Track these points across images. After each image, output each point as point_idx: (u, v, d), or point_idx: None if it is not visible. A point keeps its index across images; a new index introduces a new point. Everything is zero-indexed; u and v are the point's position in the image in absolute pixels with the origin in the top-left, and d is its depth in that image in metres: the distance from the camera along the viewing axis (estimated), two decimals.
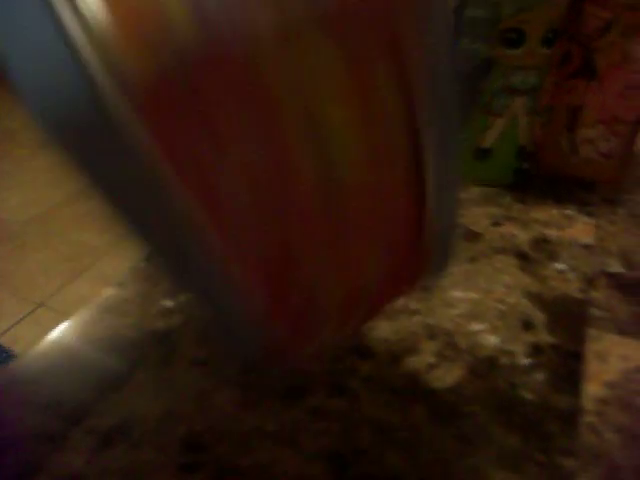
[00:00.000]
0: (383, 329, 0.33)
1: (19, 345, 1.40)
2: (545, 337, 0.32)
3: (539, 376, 0.30)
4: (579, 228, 0.44)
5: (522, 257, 0.40)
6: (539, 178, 0.51)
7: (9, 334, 1.65)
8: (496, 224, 0.43)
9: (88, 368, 0.30)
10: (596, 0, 0.48)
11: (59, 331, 0.33)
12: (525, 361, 0.31)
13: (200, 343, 0.32)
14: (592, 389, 0.29)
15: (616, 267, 0.39)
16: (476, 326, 0.33)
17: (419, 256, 0.21)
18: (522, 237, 0.42)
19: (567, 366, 0.31)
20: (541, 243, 0.41)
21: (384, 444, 0.26)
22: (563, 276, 0.38)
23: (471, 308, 0.35)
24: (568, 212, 0.46)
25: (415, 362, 0.31)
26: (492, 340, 0.32)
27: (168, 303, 0.34)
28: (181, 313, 0.34)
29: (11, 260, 1.87)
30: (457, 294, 0.36)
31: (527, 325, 0.33)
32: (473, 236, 0.42)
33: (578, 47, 0.49)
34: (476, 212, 0.45)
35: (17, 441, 0.27)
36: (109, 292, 0.36)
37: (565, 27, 0.47)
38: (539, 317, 0.34)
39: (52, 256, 1.90)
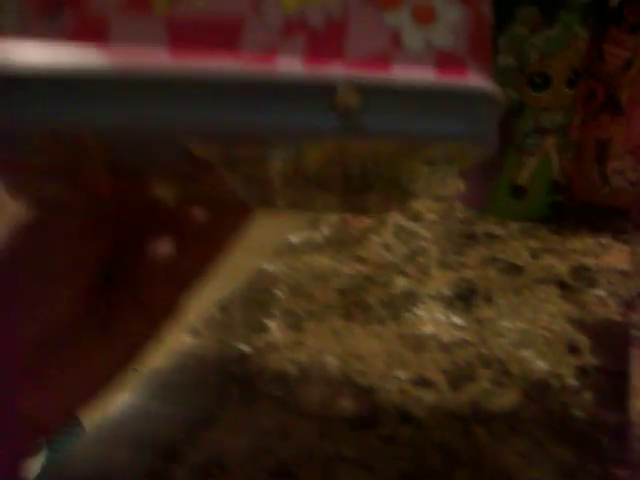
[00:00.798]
0: (441, 361, 0.36)
1: None
2: (590, 359, 0.35)
3: (588, 395, 0.33)
4: (615, 255, 0.46)
5: (563, 286, 0.43)
6: (573, 210, 0.54)
7: None
8: (535, 256, 0.46)
9: (176, 412, 0.34)
10: (615, 41, 0.51)
11: (145, 378, 0.36)
12: (574, 382, 0.34)
13: (276, 382, 0.35)
14: (639, 404, 0.32)
15: None
16: (526, 353, 0.36)
17: None
18: (561, 267, 0.45)
19: (613, 384, 0.33)
20: (580, 271, 0.44)
21: (452, 464, 0.29)
22: (603, 301, 0.41)
23: (520, 337, 0.38)
24: (603, 240, 0.49)
25: (473, 389, 0.34)
26: (541, 365, 0.35)
27: (244, 348, 0.38)
28: (256, 357, 0.37)
29: None
30: (506, 324, 0.39)
31: (573, 349, 0.36)
32: (515, 269, 0.45)
33: (601, 85, 0.52)
34: (516, 246, 0.48)
35: (123, 477, 0.30)
36: (186, 340, 0.39)
37: (587, 67, 0.50)
38: (583, 341, 0.37)
39: None
